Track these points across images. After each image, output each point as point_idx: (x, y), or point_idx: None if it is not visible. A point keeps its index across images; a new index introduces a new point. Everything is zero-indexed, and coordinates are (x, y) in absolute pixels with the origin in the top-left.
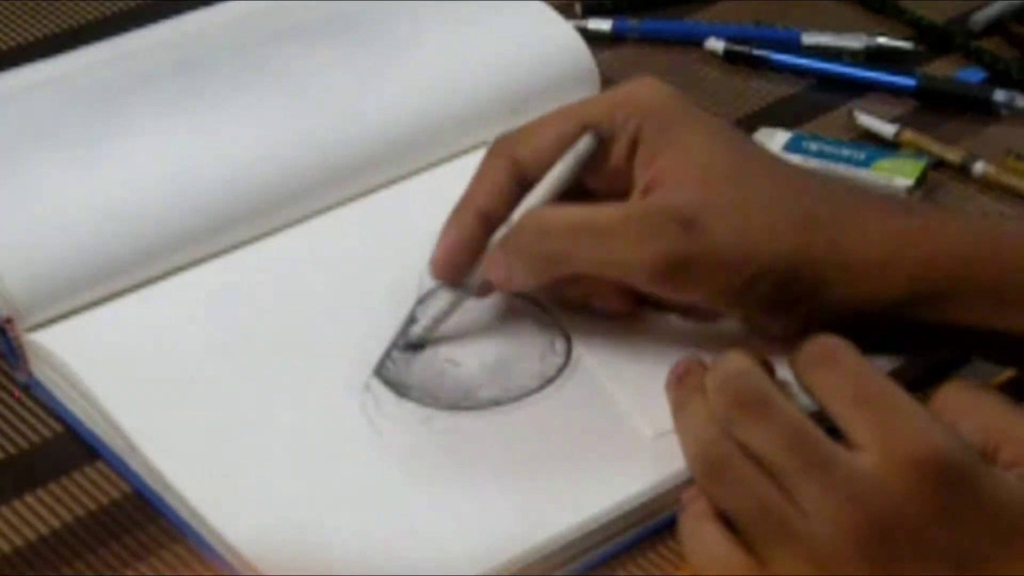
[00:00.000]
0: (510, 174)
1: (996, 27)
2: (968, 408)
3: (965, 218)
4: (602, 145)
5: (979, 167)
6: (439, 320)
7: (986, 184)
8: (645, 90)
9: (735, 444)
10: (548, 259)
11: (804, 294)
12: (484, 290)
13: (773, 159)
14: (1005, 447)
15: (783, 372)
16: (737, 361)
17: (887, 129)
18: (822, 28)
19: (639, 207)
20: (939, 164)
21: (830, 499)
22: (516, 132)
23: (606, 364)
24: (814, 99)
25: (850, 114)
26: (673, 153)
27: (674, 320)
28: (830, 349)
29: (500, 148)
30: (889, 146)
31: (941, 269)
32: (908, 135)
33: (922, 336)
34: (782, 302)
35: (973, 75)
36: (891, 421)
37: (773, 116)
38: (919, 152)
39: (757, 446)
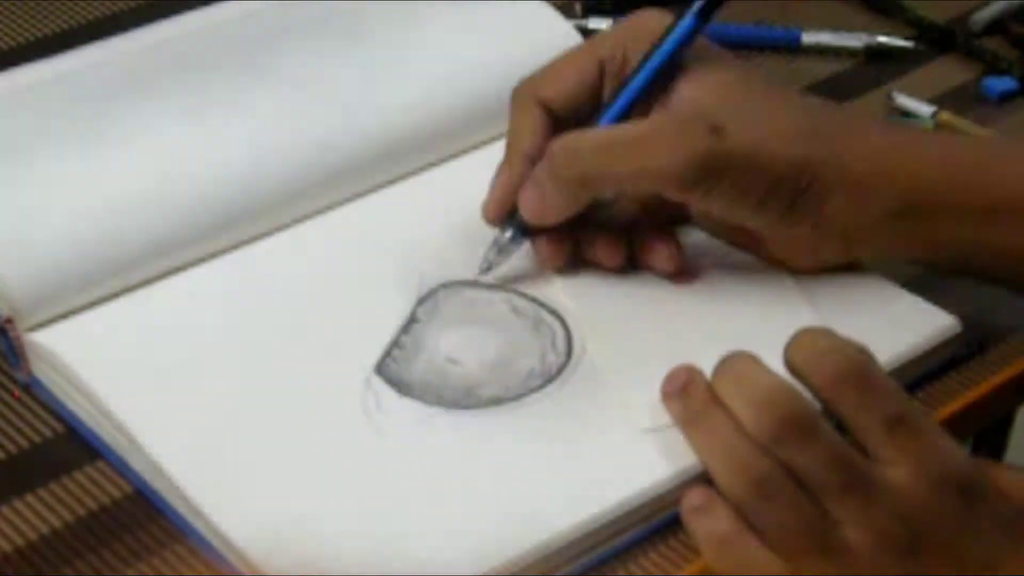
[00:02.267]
0: (544, 116)
1: (996, 27)
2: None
3: (953, 137)
4: (614, 74)
5: None
6: (486, 271)
7: None
8: (652, 20)
9: (777, 461)
10: (583, 179)
11: (813, 204)
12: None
13: (775, 82)
14: None
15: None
16: (770, 378)
17: (924, 110)
18: (822, 27)
19: (667, 116)
20: None
21: (872, 512)
22: (535, 77)
23: (603, 358)
24: (847, 81)
25: (888, 95)
26: (685, 78)
27: (672, 315)
28: (858, 368)
29: (525, 93)
30: (891, 113)
31: (931, 182)
32: (944, 116)
33: (919, 253)
34: (794, 213)
35: (999, 83)
36: (921, 442)
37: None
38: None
39: (802, 465)
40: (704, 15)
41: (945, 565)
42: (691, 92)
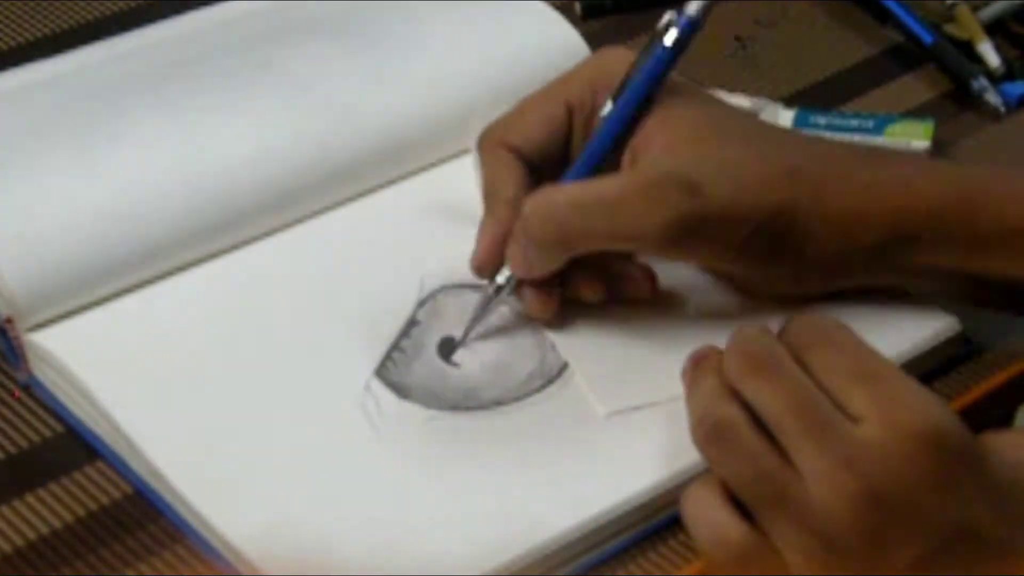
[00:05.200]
0: (516, 161)
1: (996, 27)
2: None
3: (936, 166)
4: (584, 117)
5: None
6: (477, 320)
7: None
8: (617, 61)
9: (739, 409)
10: (560, 240)
11: (794, 245)
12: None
13: (750, 117)
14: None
15: None
16: (751, 328)
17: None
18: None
19: (642, 176)
20: None
21: (830, 463)
22: (501, 122)
23: (566, 344)
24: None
25: None
26: (657, 118)
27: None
28: (828, 329)
29: (494, 139)
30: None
31: (915, 216)
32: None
33: (900, 280)
34: (775, 255)
35: (1013, 88)
36: (891, 394)
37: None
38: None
39: (762, 404)
40: (678, 48)
41: (915, 528)
42: (665, 138)
